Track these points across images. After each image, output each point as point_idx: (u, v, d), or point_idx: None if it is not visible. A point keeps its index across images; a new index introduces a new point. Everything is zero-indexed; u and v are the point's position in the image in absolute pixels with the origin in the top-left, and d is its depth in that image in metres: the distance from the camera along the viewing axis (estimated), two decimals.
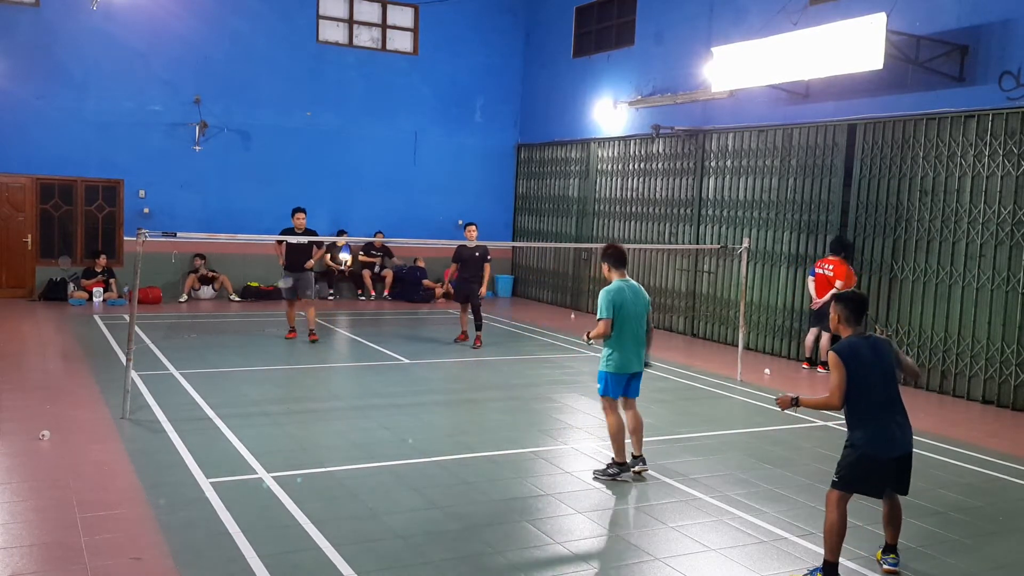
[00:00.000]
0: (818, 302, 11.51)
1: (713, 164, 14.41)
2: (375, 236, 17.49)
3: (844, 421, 5.13)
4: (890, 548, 5.25)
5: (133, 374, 8.44)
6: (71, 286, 15.58)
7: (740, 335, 11.52)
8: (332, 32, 17.99)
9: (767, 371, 11.65)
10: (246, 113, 17.08)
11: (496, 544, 5.38)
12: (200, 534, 5.31)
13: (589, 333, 6.77)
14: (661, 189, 15.59)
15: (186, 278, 16.49)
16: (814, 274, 11.74)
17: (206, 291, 16.64)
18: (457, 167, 19.17)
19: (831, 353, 5.00)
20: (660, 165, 15.62)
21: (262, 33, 17.13)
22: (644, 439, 6.96)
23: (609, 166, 17.01)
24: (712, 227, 14.35)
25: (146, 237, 7.96)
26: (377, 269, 18.23)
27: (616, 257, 6.87)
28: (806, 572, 5.08)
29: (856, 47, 10.52)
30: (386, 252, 18.34)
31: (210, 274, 16.73)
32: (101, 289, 15.56)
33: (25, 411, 8.01)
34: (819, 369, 11.77)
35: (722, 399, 9.98)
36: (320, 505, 5.86)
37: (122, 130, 16.12)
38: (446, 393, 10.01)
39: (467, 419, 8.84)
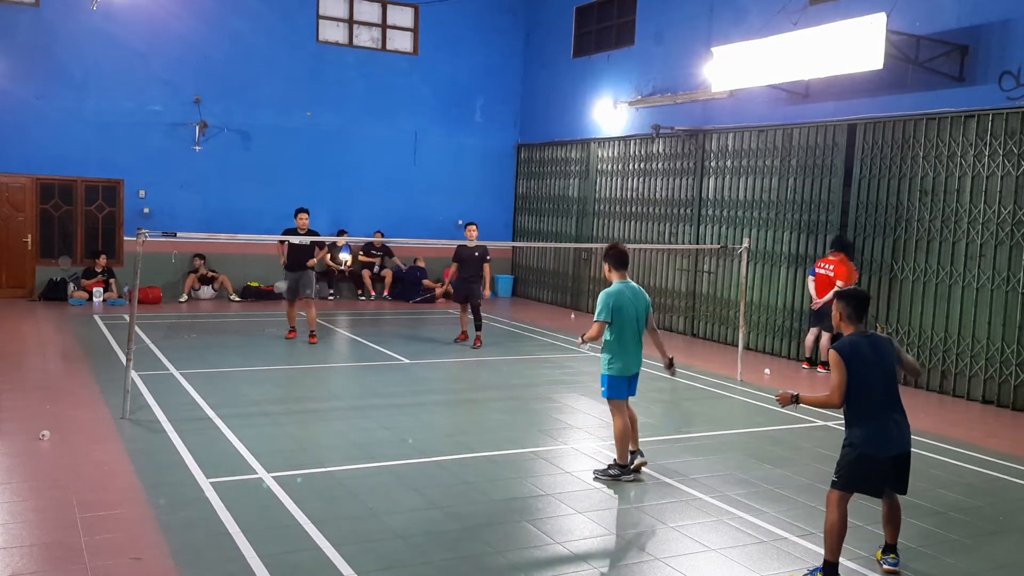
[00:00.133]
0: (818, 302, 11.52)
1: (713, 164, 14.41)
2: (374, 236, 17.50)
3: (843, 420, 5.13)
4: (890, 548, 5.25)
5: (133, 374, 8.44)
6: (71, 286, 15.58)
7: (740, 335, 11.52)
8: (332, 32, 17.99)
9: (767, 371, 11.65)
10: (246, 113, 17.08)
11: (496, 544, 5.38)
12: (200, 534, 5.31)
13: (583, 336, 6.78)
14: (661, 189, 15.59)
15: (186, 278, 16.49)
16: (814, 274, 11.74)
17: (206, 291, 16.64)
18: (457, 167, 19.17)
19: (832, 351, 4.99)
20: (660, 165, 15.62)
21: (262, 33, 17.13)
22: (644, 439, 6.97)
23: (609, 166, 17.01)
24: (712, 227, 14.35)
25: (146, 237, 7.96)
26: (376, 269, 18.24)
27: (617, 258, 6.85)
28: (806, 572, 5.08)
29: (856, 47, 10.52)
30: (386, 252, 18.35)
31: (210, 274, 16.73)
32: (101, 289, 15.56)
33: (25, 411, 8.01)
34: (819, 369, 11.77)
35: (722, 399, 9.98)
36: (320, 505, 5.86)
37: (122, 130, 16.12)
38: (446, 393, 10.01)
39: (467, 419, 8.84)
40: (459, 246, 12.71)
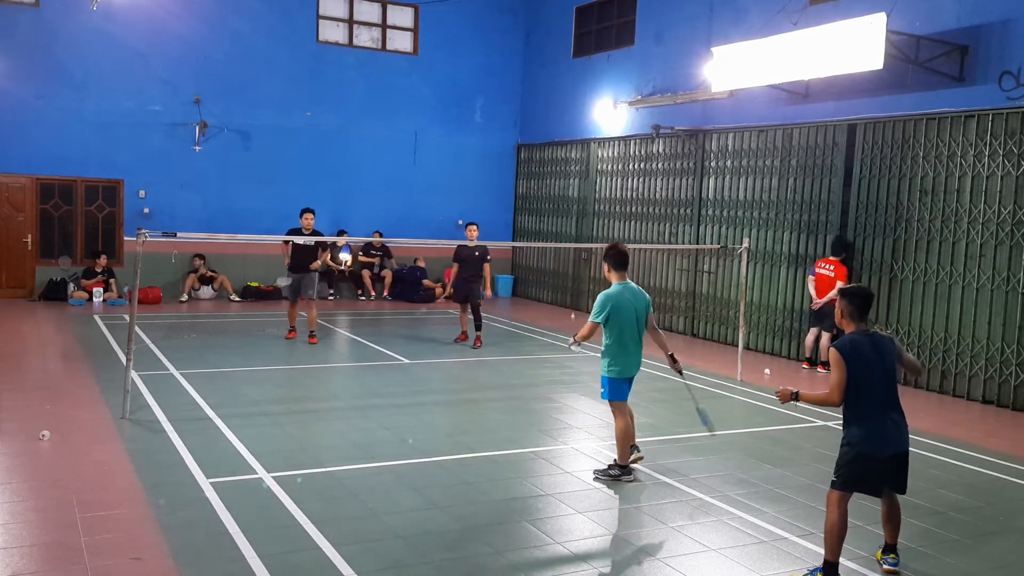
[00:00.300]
0: (818, 302, 11.52)
1: (713, 164, 14.41)
2: (373, 236, 17.50)
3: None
4: (890, 548, 5.24)
5: (133, 374, 8.43)
6: (71, 286, 15.58)
7: (740, 335, 11.52)
8: (332, 32, 17.99)
9: (767, 371, 11.64)
10: (246, 113, 17.08)
11: (496, 544, 5.38)
12: (200, 534, 5.31)
13: (575, 336, 6.80)
14: (661, 189, 15.59)
15: (186, 278, 16.49)
16: (814, 274, 11.75)
17: (206, 291, 16.65)
18: (457, 167, 19.17)
19: (832, 350, 4.98)
20: (660, 165, 15.62)
21: (262, 33, 17.13)
22: (644, 439, 6.97)
23: (609, 166, 17.01)
24: (712, 227, 14.35)
25: (146, 237, 7.96)
26: (376, 269, 18.24)
27: (617, 259, 6.83)
28: (806, 572, 5.08)
29: (856, 47, 10.51)
30: (385, 252, 18.35)
31: (210, 274, 16.73)
32: (101, 289, 15.56)
33: (25, 411, 8.01)
34: (819, 369, 11.77)
35: (722, 399, 9.97)
36: (320, 505, 5.86)
37: (122, 130, 16.12)
38: (446, 393, 10.01)
39: (467, 419, 8.84)
40: (459, 246, 12.70)
